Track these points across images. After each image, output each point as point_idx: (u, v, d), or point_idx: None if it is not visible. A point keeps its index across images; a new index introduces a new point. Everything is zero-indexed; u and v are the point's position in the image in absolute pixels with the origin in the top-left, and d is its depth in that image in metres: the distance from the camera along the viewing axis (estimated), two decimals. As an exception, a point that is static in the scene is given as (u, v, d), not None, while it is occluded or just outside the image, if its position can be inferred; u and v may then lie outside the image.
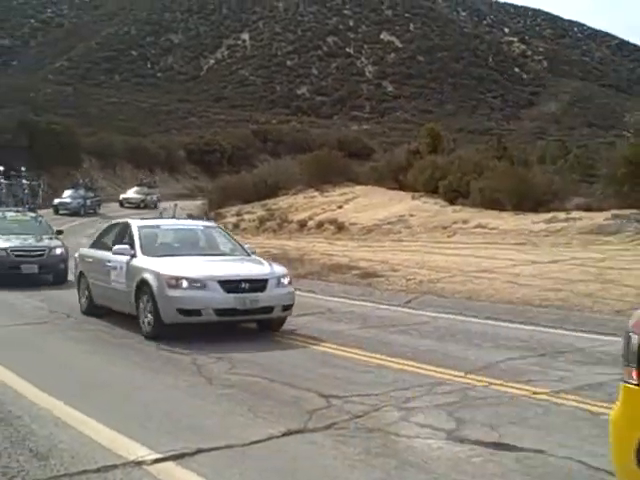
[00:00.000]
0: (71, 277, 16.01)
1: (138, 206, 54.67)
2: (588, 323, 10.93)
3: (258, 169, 54.01)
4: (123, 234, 11.82)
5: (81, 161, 66.87)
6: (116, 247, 11.23)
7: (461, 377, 7.73)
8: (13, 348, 9.68)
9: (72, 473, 4.90)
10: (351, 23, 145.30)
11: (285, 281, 10.54)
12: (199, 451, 5.32)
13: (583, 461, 5.11)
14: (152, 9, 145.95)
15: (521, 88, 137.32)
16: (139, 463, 5.08)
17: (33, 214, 20.42)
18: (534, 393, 7.01)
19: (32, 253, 17.01)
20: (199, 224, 13.54)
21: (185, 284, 9.84)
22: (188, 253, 11.24)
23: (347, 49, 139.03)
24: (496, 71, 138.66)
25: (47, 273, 17.27)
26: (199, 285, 9.87)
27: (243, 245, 12.32)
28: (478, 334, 10.32)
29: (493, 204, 26.18)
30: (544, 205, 24.92)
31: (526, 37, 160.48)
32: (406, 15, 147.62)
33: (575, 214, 22.41)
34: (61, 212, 45.22)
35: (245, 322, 10.83)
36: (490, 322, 11.38)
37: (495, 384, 7.38)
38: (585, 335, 10.09)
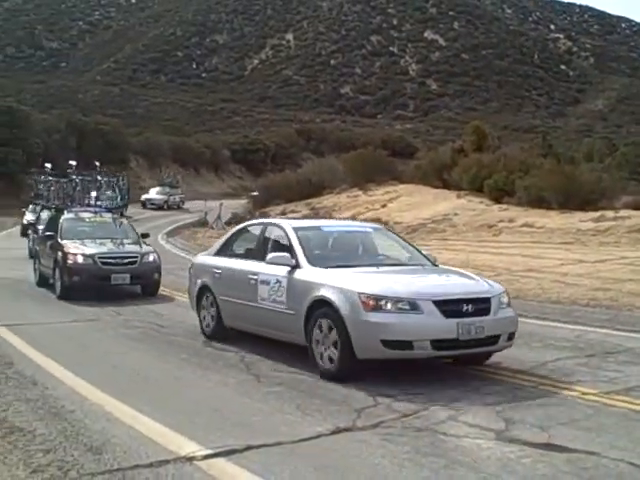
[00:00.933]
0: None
1: (161, 207, 53.46)
2: (638, 323, 10.80)
3: (302, 168, 54.20)
4: (269, 238, 9.48)
5: (128, 160, 67.78)
6: (272, 255, 8.71)
7: (509, 377, 7.69)
8: (65, 344, 9.88)
9: (125, 467, 4.98)
10: (395, 22, 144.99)
11: (505, 300, 8.03)
12: (249, 448, 5.35)
13: (635, 463, 5.05)
14: (197, 10, 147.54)
15: (567, 85, 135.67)
16: (190, 458, 5.13)
17: (111, 215, 17.90)
18: (584, 394, 6.93)
19: (123, 261, 14.58)
20: (366, 225, 11.37)
21: (389, 306, 7.37)
22: (365, 263, 8.77)
23: (391, 48, 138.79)
24: (542, 68, 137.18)
25: (138, 284, 15.07)
26: (408, 307, 7.36)
27: (422, 251, 9.74)
28: (526, 334, 10.19)
29: (539, 203, 25.97)
30: (592, 203, 24.64)
31: (572, 34, 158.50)
32: (450, 13, 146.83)
33: (624, 212, 22.13)
34: None
35: (457, 357, 8.13)
36: (538, 322, 11.26)
37: (544, 384, 7.32)
38: (635, 335, 9.95)
